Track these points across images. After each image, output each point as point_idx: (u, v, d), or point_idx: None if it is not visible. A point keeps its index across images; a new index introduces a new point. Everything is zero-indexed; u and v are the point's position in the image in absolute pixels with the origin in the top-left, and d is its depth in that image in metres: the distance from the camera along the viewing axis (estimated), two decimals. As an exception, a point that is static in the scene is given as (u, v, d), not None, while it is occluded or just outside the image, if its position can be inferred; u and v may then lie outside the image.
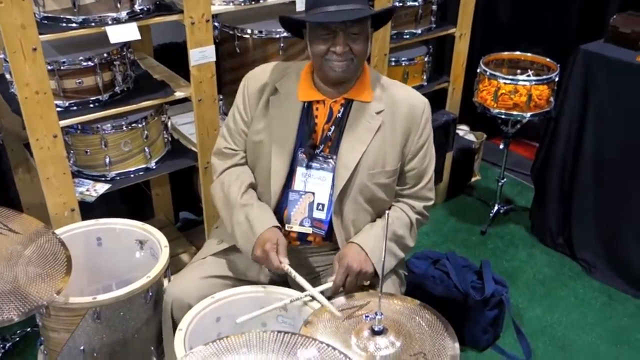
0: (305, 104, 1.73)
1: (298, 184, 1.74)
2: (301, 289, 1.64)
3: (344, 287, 1.63)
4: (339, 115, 1.72)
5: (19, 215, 1.74)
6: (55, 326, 1.72)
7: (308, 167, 1.73)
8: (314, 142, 1.72)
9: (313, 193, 1.73)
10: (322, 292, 1.60)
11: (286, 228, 1.75)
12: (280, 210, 1.75)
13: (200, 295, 1.68)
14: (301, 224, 1.75)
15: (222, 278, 1.76)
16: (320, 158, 1.73)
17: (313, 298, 1.61)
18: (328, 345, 1.22)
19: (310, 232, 1.75)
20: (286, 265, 1.63)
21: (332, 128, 1.72)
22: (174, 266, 1.85)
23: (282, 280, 1.80)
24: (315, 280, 1.78)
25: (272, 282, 1.79)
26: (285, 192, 1.74)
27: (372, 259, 1.66)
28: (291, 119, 1.73)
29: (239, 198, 1.74)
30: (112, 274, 2.02)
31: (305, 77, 1.75)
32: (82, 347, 1.72)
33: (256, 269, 1.79)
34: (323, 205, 1.74)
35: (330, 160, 1.72)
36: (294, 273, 1.63)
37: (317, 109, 1.74)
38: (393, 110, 1.72)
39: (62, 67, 1.90)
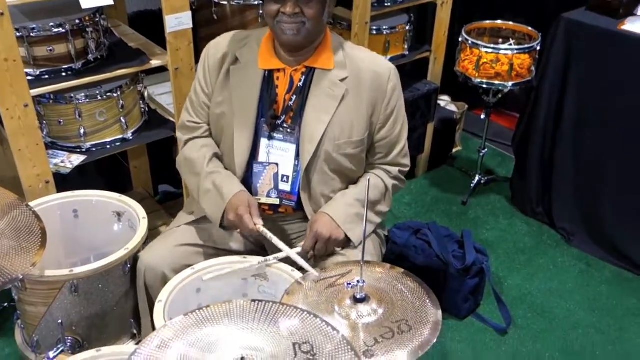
0: (266, 72, 1.68)
1: (262, 155, 1.71)
2: (277, 252, 1.63)
3: (314, 252, 1.62)
4: (300, 84, 1.67)
5: (-9, 188, 1.69)
6: (32, 300, 1.69)
7: (270, 137, 1.70)
8: (275, 113, 1.68)
9: (277, 164, 1.70)
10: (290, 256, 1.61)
11: None
12: (247, 183, 1.73)
13: (173, 263, 1.67)
14: (268, 196, 1.74)
15: (195, 246, 1.75)
16: (283, 129, 1.69)
17: (286, 259, 1.61)
18: (309, 313, 1.21)
19: (278, 203, 1.73)
20: (261, 227, 1.62)
21: (293, 98, 1.67)
22: (153, 239, 1.82)
23: (258, 248, 1.79)
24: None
25: (247, 249, 1.78)
26: (250, 163, 1.71)
27: (342, 227, 1.66)
28: (251, 89, 1.68)
29: (205, 167, 1.71)
30: (90, 246, 1.99)
31: (266, 44, 1.69)
32: (60, 321, 1.69)
33: (229, 236, 1.77)
34: (287, 177, 1.71)
35: (293, 132, 1.68)
36: (269, 234, 1.63)
37: (277, 78, 1.69)
38: (358, 78, 1.67)
39: (31, 34, 1.83)
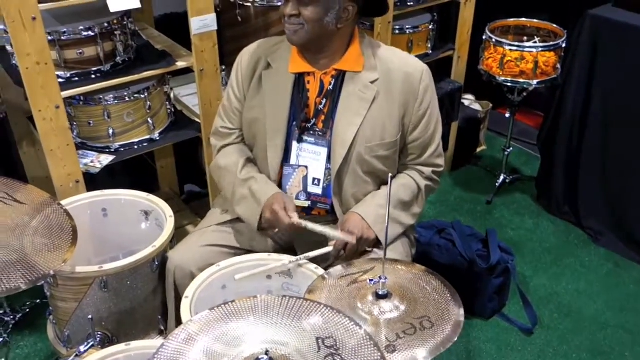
0: (297, 76, 1.70)
1: (293, 158, 1.73)
2: (307, 251, 1.64)
3: (345, 252, 1.63)
4: (330, 87, 1.68)
5: (25, 187, 1.74)
6: (63, 296, 1.74)
7: (300, 140, 1.71)
8: (307, 116, 1.70)
9: (306, 167, 1.72)
10: (322, 255, 1.61)
11: None
12: (279, 185, 1.75)
13: (202, 263, 1.70)
14: (297, 198, 1.75)
15: (224, 247, 1.77)
16: (314, 132, 1.70)
17: (315, 259, 1.62)
18: (333, 309, 1.22)
19: (307, 205, 1.75)
20: (296, 219, 1.62)
21: (324, 101, 1.68)
22: (180, 239, 1.86)
23: (288, 248, 1.80)
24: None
25: (273, 251, 1.79)
26: (282, 166, 1.73)
27: (373, 228, 1.66)
28: (283, 93, 1.70)
29: (238, 174, 1.73)
30: (119, 245, 2.03)
31: (296, 48, 1.71)
32: (90, 316, 1.73)
33: (261, 239, 1.79)
34: (319, 180, 1.72)
35: (325, 135, 1.69)
36: (308, 223, 1.63)
37: (308, 82, 1.70)
38: (389, 79, 1.67)
39: (62, 37, 1.88)
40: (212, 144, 1.87)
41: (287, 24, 1.60)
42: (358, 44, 1.69)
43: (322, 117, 1.70)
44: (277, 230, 1.68)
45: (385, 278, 1.35)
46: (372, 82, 1.66)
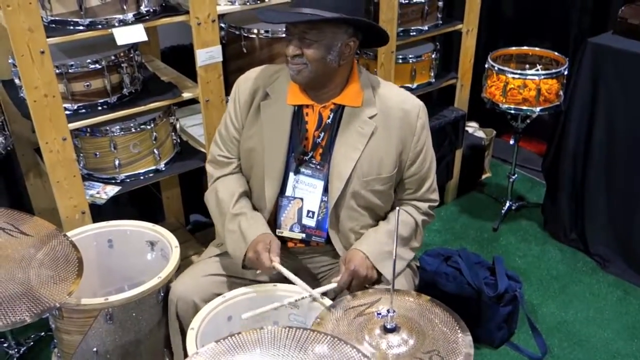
0: (296, 108, 1.71)
1: (289, 189, 1.73)
2: (310, 285, 1.64)
3: (348, 290, 1.63)
4: (329, 121, 1.69)
5: (31, 218, 1.75)
6: (68, 328, 1.73)
7: (297, 172, 1.71)
8: (305, 149, 1.70)
9: (301, 199, 1.72)
10: (326, 292, 1.61)
11: (277, 233, 1.75)
12: (275, 216, 1.75)
13: (204, 293, 1.69)
14: (291, 230, 1.75)
15: (227, 277, 1.77)
16: (311, 165, 1.71)
17: (325, 294, 1.61)
18: (340, 340, 1.20)
19: (301, 238, 1.75)
20: (277, 264, 1.62)
21: (322, 135, 1.69)
22: (185, 268, 1.85)
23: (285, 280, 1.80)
24: (318, 282, 1.79)
25: (274, 281, 1.78)
26: (278, 198, 1.74)
27: (376, 266, 1.66)
28: (282, 124, 1.70)
29: (230, 207, 1.73)
30: (124, 276, 2.02)
31: None
32: (95, 349, 1.72)
33: (252, 271, 1.79)
34: (313, 212, 1.72)
35: (322, 168, 1.70)
36: (285, 271, 1.62)
37: (307, 114, 1.71)
38: (387, 115, 1.68)
39: (70, 70, 1.91)
40: (208, 171, 1.86)
41: (290, 64, 1.61)
42: (357, 79, 1.70)
43: (320, 151, 1.70)
44: (258, 271, 1.67)
45: (394, 311, 1.34)
46: (370, 118, 1.67)
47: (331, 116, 1.69)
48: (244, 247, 1.67)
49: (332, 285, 1.63)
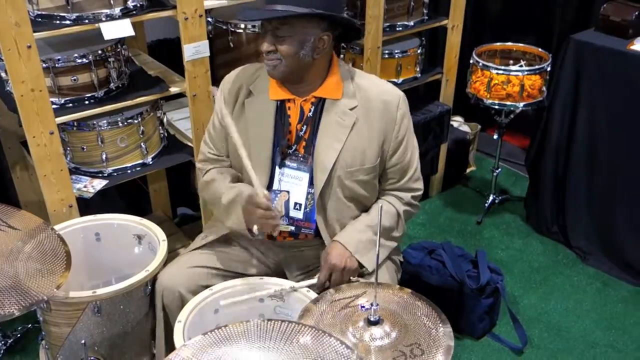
0: (278, 102, 1.74)
1: (275, 183, 1.76)
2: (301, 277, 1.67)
3: (329, 284, 1.66)
4: (310, 114, 1.72)
5: (18, 212, 1.76)
6: (56, 321, 1.74)
7: (282, 165, 1.74)
8: (288, 142, 1.74)
9: (288, 192, 1.75)
10: (308, 287, 1.65)
11: None
12: None
13: (189, 283, 1.72)
14: None
15: (213, 269, 1.79)
16: (295, 157, 1.74)
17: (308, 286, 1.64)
18: (324, 332, 1.24)
19: (289, 230, 1.77)
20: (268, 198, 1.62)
21: (304, 128, 1.72)
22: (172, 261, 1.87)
23: (275, 273, 1.82)
24: (308, 275, 1.81)
25: (262, 274, 1.81)
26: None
27: (355, 254, 1.69)
28: (266, 119, 1.74)
29: (227, 184, 1.77)
30: (112, 269, 2.04)
31: None
32: (83, 341, 1.73)
33: (243, 262, 1.82)
34: (300, 205, 1.75)
35: (306, 161, 1.73)
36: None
37: (289, 108, 1.74)
38: (367, 106, 1.71)
39: (57, 65, 1.91)
40: (199, 168, 1.88)
41: (266, 60, 1.65)
42: (337, 72, 1.73)
43: (303, 144, 1.74)
44: (256, 228, 1.62)
45: (377, 305, 1.37)
46: (351, 109, 1.70)
47: (312, 109, 1.72)
48: (239, 208, 1.68)
49: (312, 281, 1.67)
